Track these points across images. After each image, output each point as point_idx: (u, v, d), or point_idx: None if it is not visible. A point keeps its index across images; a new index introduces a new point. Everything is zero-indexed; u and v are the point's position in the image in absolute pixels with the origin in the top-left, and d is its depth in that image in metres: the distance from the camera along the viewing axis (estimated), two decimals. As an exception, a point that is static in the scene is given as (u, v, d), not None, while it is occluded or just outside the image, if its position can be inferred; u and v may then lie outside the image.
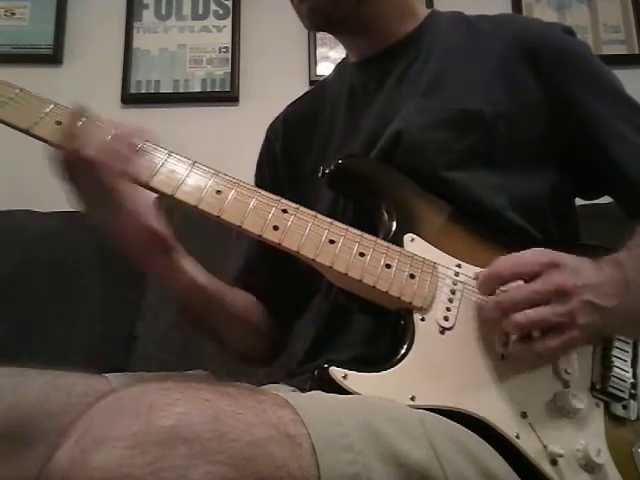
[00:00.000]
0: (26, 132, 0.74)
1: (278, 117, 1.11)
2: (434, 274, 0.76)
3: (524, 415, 0.71)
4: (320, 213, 0.77)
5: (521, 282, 0.71)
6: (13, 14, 2.09)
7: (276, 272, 1.01)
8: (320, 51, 2.06)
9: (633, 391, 0.77)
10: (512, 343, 0.71)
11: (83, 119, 0.76)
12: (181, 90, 2.04)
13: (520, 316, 0.68)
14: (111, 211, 0.75)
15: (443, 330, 0.74)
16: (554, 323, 0.68)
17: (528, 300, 0.69)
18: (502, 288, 0.71)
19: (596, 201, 0.97)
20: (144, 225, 0.77)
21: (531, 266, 0.71)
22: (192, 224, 1.47)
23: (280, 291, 1.02)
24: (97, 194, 0.74)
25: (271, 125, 1.11)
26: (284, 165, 1.06)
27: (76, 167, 0.74)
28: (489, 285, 0.73)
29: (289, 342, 1.07)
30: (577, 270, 0.71)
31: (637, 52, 2.02)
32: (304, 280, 1.01)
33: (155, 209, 0.79)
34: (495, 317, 0.71)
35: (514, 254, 0.74)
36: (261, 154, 1.11)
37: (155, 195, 0.78)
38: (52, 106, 0.76)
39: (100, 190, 0.74)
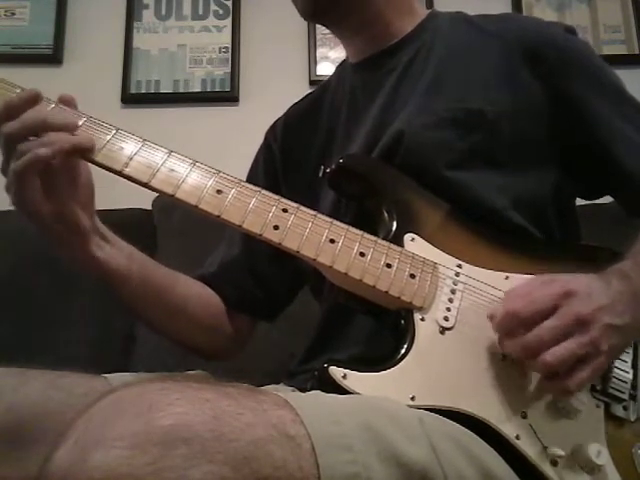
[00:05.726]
0: None
1: (278, 119, 1.11)
2: (434, 274, 0.76)
3: (524, 416, 0.71)
4: (322, 213, 0.77)
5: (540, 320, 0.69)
6: (13, 14, 2.09)
7: (251, 281, 1.03)
8: (320, 51, 2.06)
9: (633, 392, 0.77)
10: (541, 381, 0.70)
11: (83, 119, 0.76)
12: (181, 90, 2.04)
13: (549, 357, 0.67)
14: (20, 197, 0.73)
15: (443, 330, 0.73)
16: (581, 355, 0.68)
17: (552, 338, 0.67)
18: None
19: (596, 201, 0.98)
20: (63, 204, 0.75)
21: (547, 301, 0.69)
22: (192, 224, 1.47)
23: (249, 299, 1.03)
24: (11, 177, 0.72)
25: (271, 128, 1.11)
26: (283, 167, 1.06)
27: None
28: (509, 325, 0.71)
29: (249, 340, 1.07)
30: (590, 294, 0.70)
31: (637, 52, 2.02)
32: (280, 289, 1.01)
33: (87, 190, 0.78)
34: (524, 358, 0.70)
35: (524, 286, 0.72)
36: (257, 156, 1.11)
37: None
38: (53, 105, 0.76)
39: (12, 178, 0.72)
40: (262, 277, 1.03)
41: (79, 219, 0.77)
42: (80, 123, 0.75)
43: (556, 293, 0.70)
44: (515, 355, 0.71)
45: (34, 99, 0.74)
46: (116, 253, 0.84)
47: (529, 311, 0.69)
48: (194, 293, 0.97)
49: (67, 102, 0.77)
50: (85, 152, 0.73)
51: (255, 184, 0.77)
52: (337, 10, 0.94)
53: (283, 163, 1.06)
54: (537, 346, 0.68)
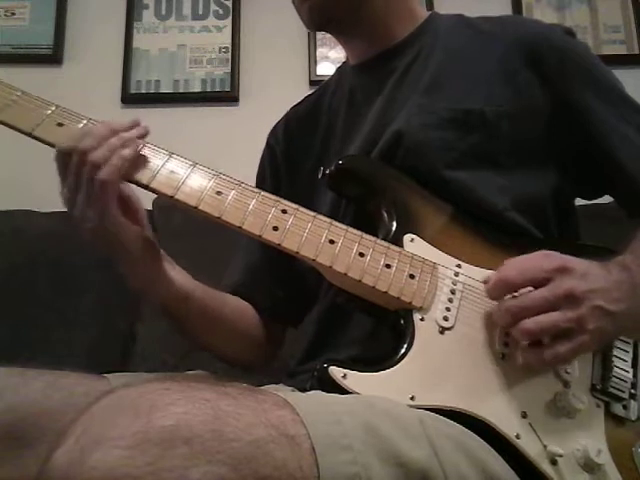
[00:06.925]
0: (28, 134, 0.75)
1: (279, 122, 1.11)
2: (434, 274, 0.76)
3: (524, 415, 0.71)
4: (321, 214, 0.77)
5: (531, 288, 0.70)
6: (13, 14, 2.09)
7: (279, 282, 1.02)
8: (320, 51, 2.06)
9: (633, 391, 0.77)
10: (521, 350, 0.71)
11: (84, 121, 0.76)
12: (181, 90, 2.04)
13: (530, 323, 0.68)
14: (105, 215, 0.73)
15: (443, 330, 0.74)
16: (564, 329, 0.68)
17: (538, 306, 0.68)
18: (514, 294, 0.71)
19: (596, 201, 0.98)
20: (136, 231, 0.77)
21: (540, 271, 0.70)
22: (192, 225, 1.47)
23: (281, 301, 1.02)
24: (93, 196, 0.73)
25: (272, 130, 1.11)
26: (285, 168, 1.06)
27: (79, 169, 0.73)
28: (499, 291, 0.72)
29: (282, 347, 1.07)
30: (586, 274, 0.71)
31: (637, 52, 2.03)
32: (305, 288, 1.01)
33: (144, 215, 0.79)
34: (504, 323, 0.71)
35: (522, 257, 0.74)
36: (262, 160, 1.11)
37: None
38: (53, 108, 0.77)
39: (97, 191, 0.72)
40: (286, 282, 1.03)
41: (153, 240, 0.79)
42: (80, 126, 0.76)
43: (552, 267, 0.70)
44: (499, 320, 0.71)
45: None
46: (181, 274, 0.85)
47: (520, 279, 0.70)
48: (234, 306, 0.98)
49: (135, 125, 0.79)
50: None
51: (263, 189, 0.77)
52: (341, 20, 0.94)
53: (286, 166, 1.06)
54: (520, 311, 0.69)
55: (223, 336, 0.94)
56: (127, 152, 0.73)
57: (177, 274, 0.84)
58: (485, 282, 0.74)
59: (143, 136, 0.77)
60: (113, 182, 0.73)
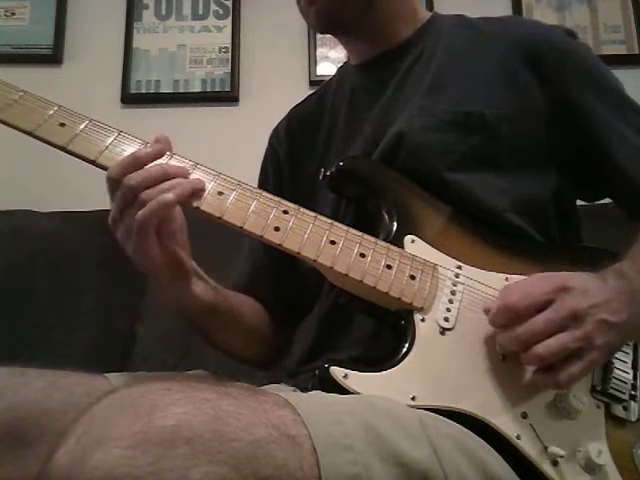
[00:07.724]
0: (30, 134, 0.74)
1: (281, 122, 1.11)
2: (434, 275, 0.76)
3: (525, 416, 0.71)
4: (321, 214, 0.77)
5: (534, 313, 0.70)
6: (13, 14, 2.09)
7: (283, 280, 1.02)
8: (320, 51, 2.06)
9: (633, 392, 0.77)
10: (534, 374, 0.70)
11: (85, 122, 0.76)
12: (181, 90, 2.04)
13: (541, 348, 0.67)
14: (143, 248, 0.73)
15: (443, 331, 0.74)
16: (573, 349, 0.68)
17: (545, 330, 0.68)
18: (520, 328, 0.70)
19: (598, 201, 0.97)
20: (168, 255, 0.77)
21: (541, 294, 0.70)
22: (193, 225, 1.47)
23: (287, 299, 1.03)
24: (131, 230, 0.72)
25: (274, 131, 1.11)
26: (288, 169, 1.06)
27: (124, 202, 0.72)
28: (503, 318, 0.71)
29: (291, 346, 1.07)
30: (585, 290, 0.71)
31: (637, 52, 2.03)
32: (308, 286, 1.01)
33: (184, 231, 0.79)
34: (514, 351, 0.71)
35: (521, 282, 0.74)
36: (264, 161, 1.11)
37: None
38: (55, 108, 0.76)
39: (136, 228, 0.72)
40: (289, 281, 1.02)
41: (184, 262, 0.79)
42: (82, 126, 0.75)
43: (552, 288, 0.70)
44: (508, 347, 0.71)
45: (161, 154, 0.75)
46: (207, 288, 0.86)
47: (523, 304, 0.70)
48: (250, 306, 0.99)
49: (163, 141, 0.78)
50: (199, 193, 0.74)
51: (266, 189, 0.77)
52: (348, 24, 0.95)
53: (288, 167, 1.06)
54: (529, 338, 0.68)
55: (243, 339, 0.96)
56: (169, 197, 0.71)
57: (203, 289, 0.84)
58: (486, 311, 0.73)
59: (198, 192, 0.74)
60: (152, 221, 0.72)
